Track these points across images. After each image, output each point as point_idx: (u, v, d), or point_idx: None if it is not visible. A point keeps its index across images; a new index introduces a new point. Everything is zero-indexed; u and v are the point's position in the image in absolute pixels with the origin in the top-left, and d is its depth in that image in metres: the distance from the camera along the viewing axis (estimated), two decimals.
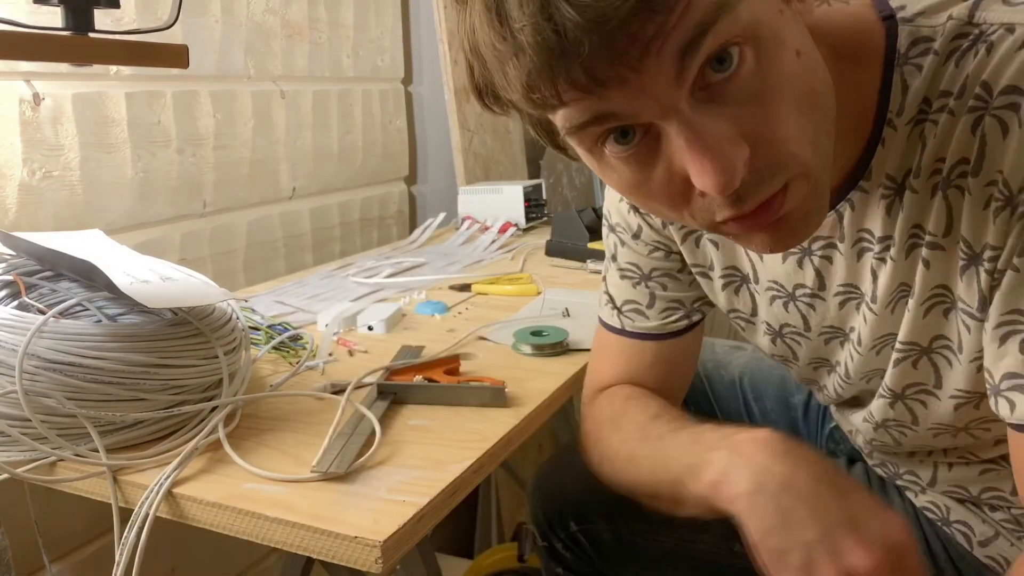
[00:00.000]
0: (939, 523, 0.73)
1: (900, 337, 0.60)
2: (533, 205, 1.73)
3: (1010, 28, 0.49)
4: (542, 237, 1.57)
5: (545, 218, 1.76)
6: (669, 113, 0.44)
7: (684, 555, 0.85)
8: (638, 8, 0.40)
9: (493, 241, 1.61)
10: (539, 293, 1.23)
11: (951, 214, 0.53)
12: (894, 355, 0.61)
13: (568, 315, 1.10)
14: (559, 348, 0.96)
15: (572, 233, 1.44)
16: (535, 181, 1.79)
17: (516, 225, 1.69)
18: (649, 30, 0.41)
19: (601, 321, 0.80)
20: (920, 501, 0.74)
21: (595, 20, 0.40)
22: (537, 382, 0.87)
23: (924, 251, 0.55)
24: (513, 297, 1.23)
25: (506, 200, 1.71)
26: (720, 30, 0.42)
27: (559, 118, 0.47)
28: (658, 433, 0.66)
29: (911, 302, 0.58)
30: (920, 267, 0.56)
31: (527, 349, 0.96)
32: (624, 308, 0.77)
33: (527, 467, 1.78)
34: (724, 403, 1.01)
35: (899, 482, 0.76)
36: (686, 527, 0.83)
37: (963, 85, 0.50)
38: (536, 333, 0.98)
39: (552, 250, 1.48)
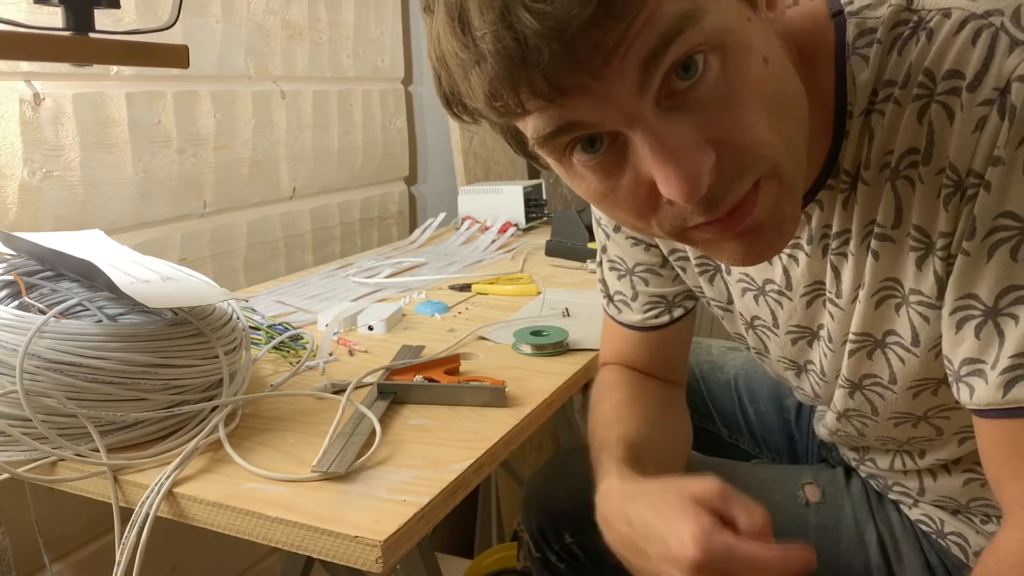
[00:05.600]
0: (934, 535, 0.73)
1: (852, 328, 0.60)
2: (533, 205, 1.73)
3: (946, 13, 0.50)
4: (542, 237, 1.57)
5: (545, 218, 1.76)
6: (633, 121, 0.44)
7: None
8: (598, 16, 0.40)
9: (493, 241, 1.61)
10: (539, 293, 1.23)
11: (900, 205, 0.53)
12: (848, 346, 0.61)
13: (568, 315, 1.10)
14: (559, 348, 0.96)
15: (572, 233, 1.44)
16: (535, 181, 1.79)
17: (516, 225, 1.69)
18: (611, 38, 0.41)
19: (602, 304, 0.84)
20: (914, 514, 0.74)
21: (554, 27, 0.39)
22: (537, 382, 0.87)
23: (874, 242, 0.55)
24: (513, 297, 1.23)
25: (506, 200, 1.71)
26: (685, 40, 0.42)
27: (528, 129, 0.47)
28: (597, 443, 0.71)
29: (862, 293, 0.58)
30: (870, 259, 0.56)
31: (527, 349, 0.96)
32: (615, 298, 0.81)
33: (527, 467, 1.78)
34: (720, 404, 1.01)
35: (892, 495, 0.76)
36: None
37: (907, 74, 0.50)
38: (536, 333, 0.98)
39: (552, 250, 1.48)
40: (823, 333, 0.64)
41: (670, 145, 0.44)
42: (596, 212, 0.79)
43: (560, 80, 0.42)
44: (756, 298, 0.68)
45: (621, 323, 0.81)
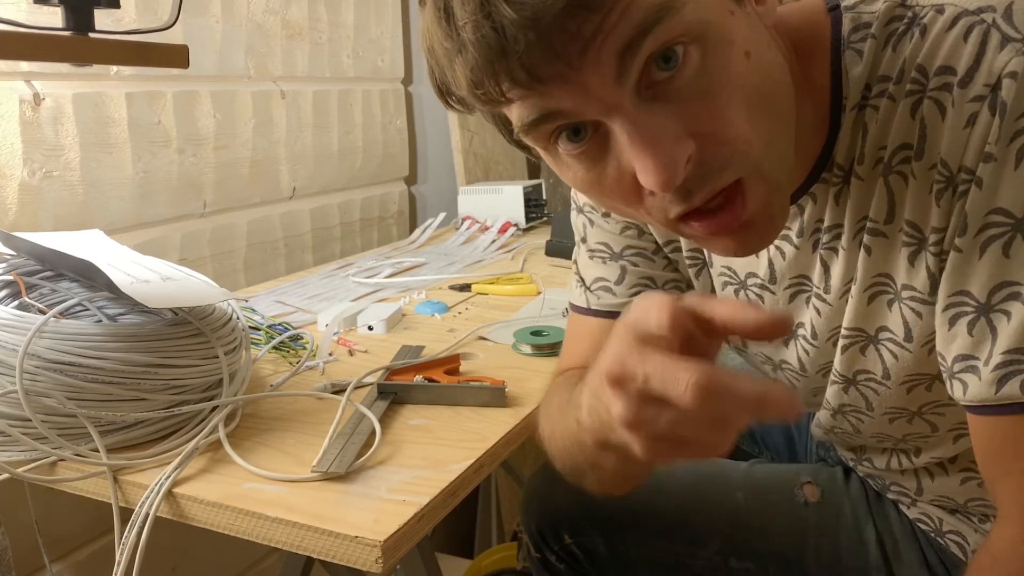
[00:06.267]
0: (933, 534, 0.73)
1: (845, 323, 0.60)
2: (533, 205, 1.73)
3: (940, 9, 0.50)
4: (542, 237, 1.57)
5: (545, 218, 1.76)
6: (612, 111, 0.45)
7: (681, 568, 0.84)
8: (573, 7, 0.41)
9: (493, 241, 1.61)
10: (539, 293, 1.23)
11: (893, 200, 0.53)
12: (841, 341, 0.61)
13: (568, 315, 1.10)
14: (559, 348, 0.96)
15: (572, 233, 1.44)
16: (535, 181, 1.79)
17: (516, 225, 1.69)
18: (587, 29, 0.42)
19: (571, 305, 0.79)
20: (913, 513, 0.74)
21: (530, 17, 0.41)
22: (537, 382, 0.87)
23: (866, 237, 0.55)
24: (513, 297, 1.23)
25: (506, 200, 1.71)
26: (662, 31, 0.42)
27: (513, 116, 0.47)
28: (566, 409, 0.60)
29: (854, 288, 0.58)
30: (862, 254, 0.56)
31: (527, 349, 0.96)
32: (593, 286, 0.76)
33: (527, 467, 1.78)
34: None
35: (890, 495, 0.76)
36: (683, 540, 0.83)
37: (901, 69, 0.51)
38: (536, 333, 0.98)
39: (552, 250, 1.48)
40: (801, 332, 0.64)
41: (648, 134, 0.44)
42: (579, 200, 0.77)
43: (538, 69, 0.43)
44: (736, 292, 0.68)
45: (599, 311, 0.74)
